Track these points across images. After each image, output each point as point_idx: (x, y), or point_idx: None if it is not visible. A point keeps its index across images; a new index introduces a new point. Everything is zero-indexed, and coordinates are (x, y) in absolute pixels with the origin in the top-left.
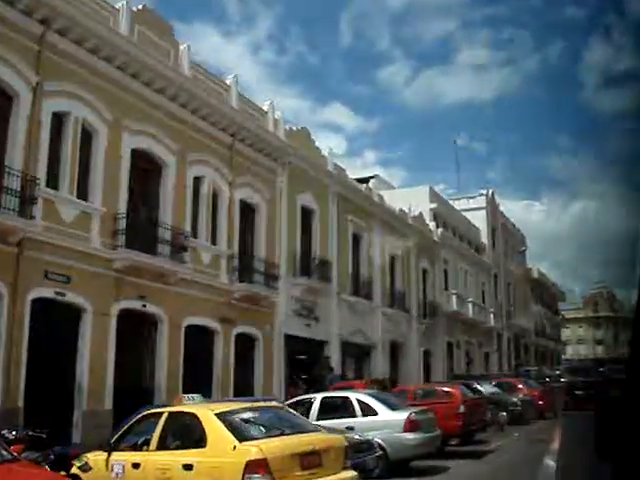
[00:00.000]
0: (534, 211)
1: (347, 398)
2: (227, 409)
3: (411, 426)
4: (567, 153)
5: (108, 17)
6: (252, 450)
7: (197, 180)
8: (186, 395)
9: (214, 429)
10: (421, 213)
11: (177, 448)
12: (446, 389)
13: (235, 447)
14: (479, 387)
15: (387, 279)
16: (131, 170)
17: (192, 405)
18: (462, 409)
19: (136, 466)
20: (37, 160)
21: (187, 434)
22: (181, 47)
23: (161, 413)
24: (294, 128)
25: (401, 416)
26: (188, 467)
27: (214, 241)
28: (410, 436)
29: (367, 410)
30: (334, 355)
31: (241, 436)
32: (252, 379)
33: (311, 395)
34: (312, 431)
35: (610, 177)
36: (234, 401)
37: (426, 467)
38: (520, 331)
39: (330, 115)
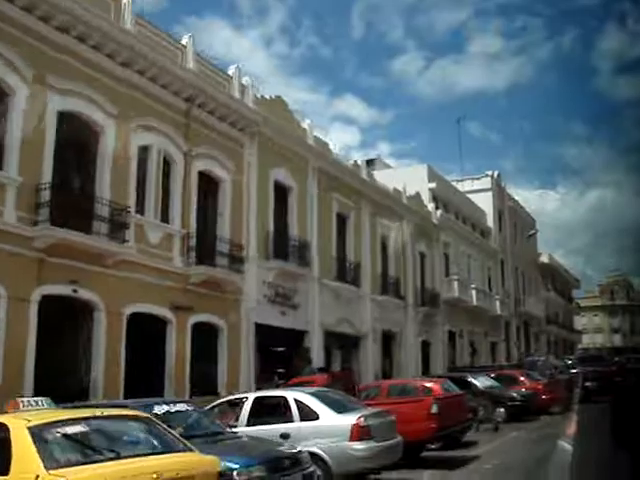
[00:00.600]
0: (549, 200)
1: (284, 398)
2: (50, 420)
3: (359, 433)
4: (582, 141)
5: None
6: None
7: (144, 150)
8: (26, 399)
9: (21, 449)
10: (418, 193)
11: None
12: (427, 384)
13: (38, 477)
14: (473, 381)
15: (378, 264)
16: (58, 135)
17: (8, 415)
18: (435, 409)
19: None
20: None
21: None
22: (124, 0)
23: None
24: (267, 96)
25: (347, 420)
26: None
27: (165, 219)
28: (358, 446)
29: (307, 413)
30: (316, 346)
31: (51, 461)
32: (215, 374)
33: (244, 394)
34: (174, 451)
35: (625, 165)
36: (103, 406)
37: None
38: (530, 319)
39: (343, 107)
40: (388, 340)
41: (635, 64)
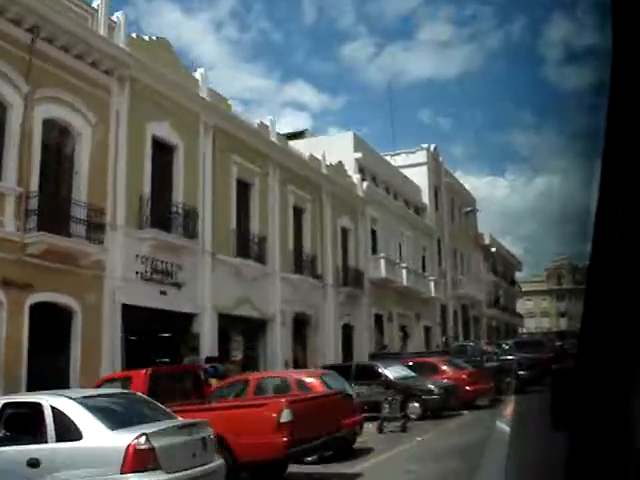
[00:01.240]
0: (499, 187)
1: (38, 406)
2: None
3: (136, 460)
4: (530, 129)
5: None
6: None
7: None
8: None
9: None
10: (341, 162)
11: None
12: (305, 379)
13: None
14: (384, 370)
15: (290, 238)
16: None
17: None
18: (286, 416)
19: None
20: None
21: None
22: None
23: None
24: (147, 37)
25: (121, 441)
26: None
27: None
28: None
29: (67, 429)
30: (208, 331)
31: None
32: (66, 366)
33: None
34: None
35: (572, 152)
36: None
37: None
38: (469, 302)
39: (294, 93)
40: (302, 324)
41: (582, 53)
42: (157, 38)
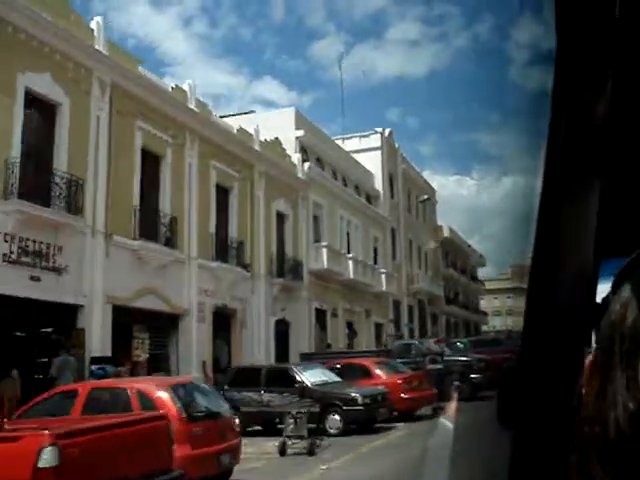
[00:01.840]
0: (466, 186)
1: None
2: None
3: None
4: (497, 128)
5: None
6: None
7: None
8: None
9: None
10: (278, 139)
11: None
12: (155, 393)
13: None
14: (300, 376)
15: (212, 220)
16: None
17: None
18: (50, 459)
19: None
20: None
21: None
22: None
23: None
24: None
25: None
26: None
27: None
28: None
29: None
30: (98, 327)
31: None
32: None
33: None
34: None
35: (535, 153)
36: None
37: None
38: (426, 298)
39: (263, 90)
40: (225, 319)
41: (549, 55)
42: None
